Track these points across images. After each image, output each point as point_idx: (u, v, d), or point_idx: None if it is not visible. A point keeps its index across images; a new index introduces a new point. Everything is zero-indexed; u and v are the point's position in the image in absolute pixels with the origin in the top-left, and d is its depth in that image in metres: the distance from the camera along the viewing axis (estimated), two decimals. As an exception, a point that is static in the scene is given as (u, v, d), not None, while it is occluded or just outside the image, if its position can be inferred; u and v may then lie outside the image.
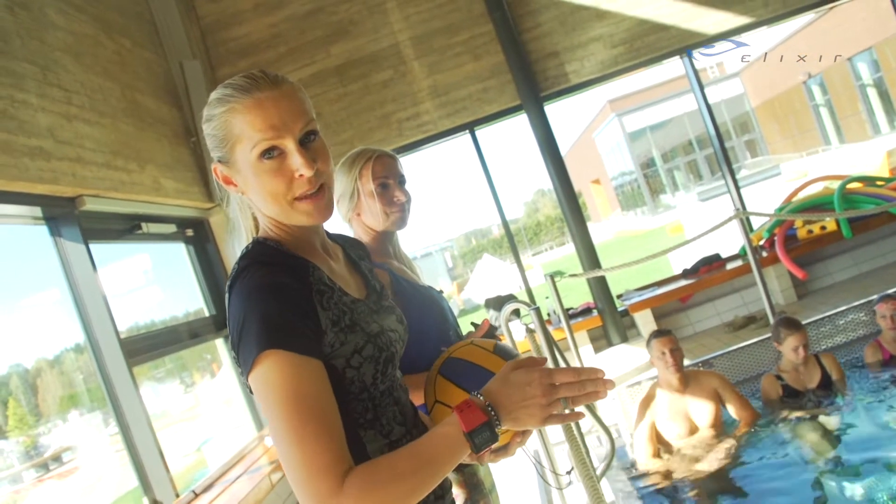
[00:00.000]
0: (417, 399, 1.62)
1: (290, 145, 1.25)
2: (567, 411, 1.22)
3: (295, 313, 1.19)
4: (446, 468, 1.17)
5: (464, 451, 1.17)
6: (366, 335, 1.29)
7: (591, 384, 1.21)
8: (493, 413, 1.17)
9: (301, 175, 1.25)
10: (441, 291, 2.17)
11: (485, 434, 1.16)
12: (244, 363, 1.18)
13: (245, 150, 1.25)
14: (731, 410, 4.32)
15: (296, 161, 1.25)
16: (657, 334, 4.29)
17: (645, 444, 4.29)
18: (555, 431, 3.93)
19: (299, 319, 1.19)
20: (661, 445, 4.30)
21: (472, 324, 2.07)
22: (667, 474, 4.13)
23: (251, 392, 1.20)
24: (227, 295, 1.26)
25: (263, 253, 1.29)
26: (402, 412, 1.38)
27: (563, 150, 7.15)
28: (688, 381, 4.27)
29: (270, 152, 1.24)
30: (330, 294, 1.28)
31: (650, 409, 4.30)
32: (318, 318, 1.22)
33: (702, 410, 4.24)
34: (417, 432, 1.37)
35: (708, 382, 4.32)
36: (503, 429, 1.19)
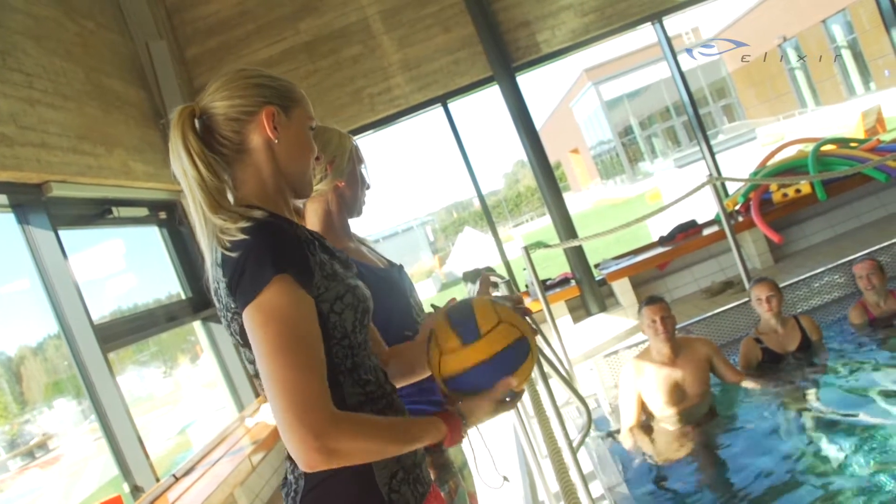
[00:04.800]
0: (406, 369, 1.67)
1: None
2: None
3: (297, 251, 1.29)
4: (413, 447, 1.35)
5: (431, 443, 1.37)
6: (345, 285, 1.38)
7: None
8: (466, 434, 1.44)
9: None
10: (401, 267, 2.13)
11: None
12: (251, 289, 1.23)
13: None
14: (722, 377, 4.30)
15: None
16: (648, 301, 4.22)
17: (631, 415, 4.24)
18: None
19: (301, 257, 1.29)
20: (646, 415, 4.25)
21: (433, 306, 2.02)
22: (650, 443, 4.13)
23: (240, 338, 1.30)
24: (216, 251, 1.31)
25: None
26: (375, 368, 1.45)
27: (540, 121, 7.16)
28: (679, 349, 4.20)
29: None
30: (313, 245, 1.36)
31: (636, 380, 4.22)
32: (310, 260, 1.31)
33: (691, 378, 4.16)
34: (390, 389, 1.48)
35: (699, 349, 4.27)
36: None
